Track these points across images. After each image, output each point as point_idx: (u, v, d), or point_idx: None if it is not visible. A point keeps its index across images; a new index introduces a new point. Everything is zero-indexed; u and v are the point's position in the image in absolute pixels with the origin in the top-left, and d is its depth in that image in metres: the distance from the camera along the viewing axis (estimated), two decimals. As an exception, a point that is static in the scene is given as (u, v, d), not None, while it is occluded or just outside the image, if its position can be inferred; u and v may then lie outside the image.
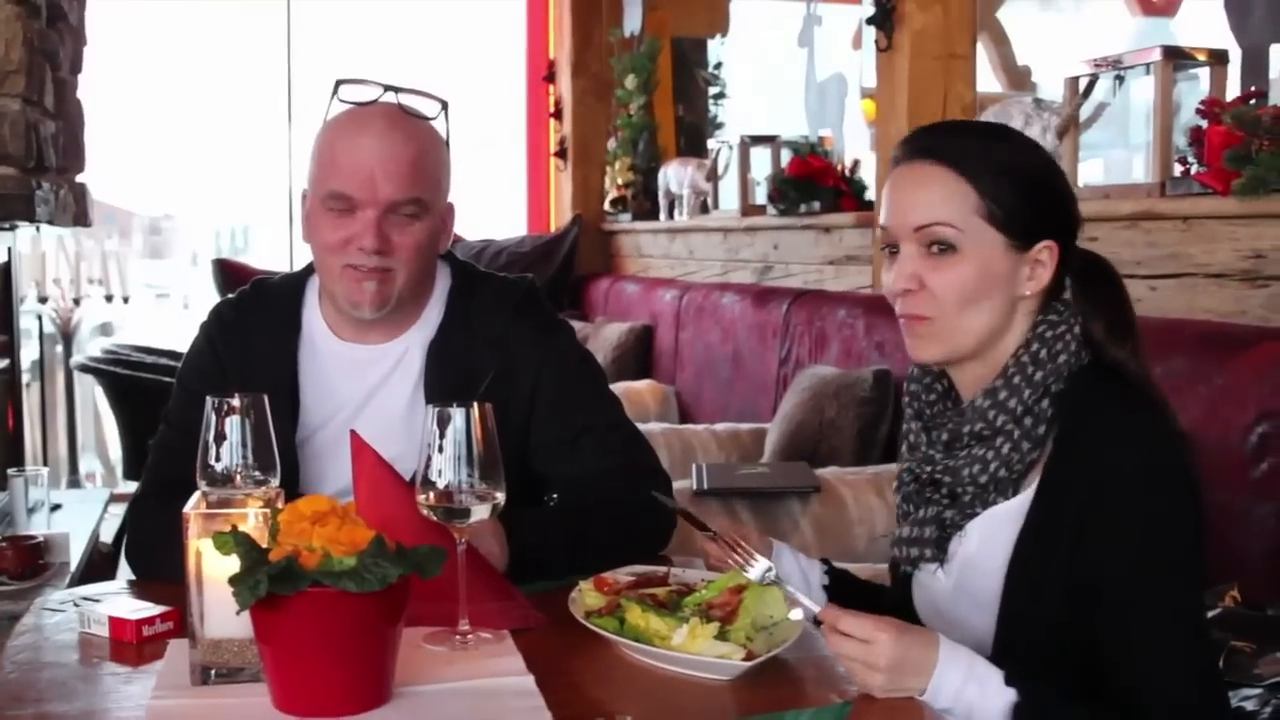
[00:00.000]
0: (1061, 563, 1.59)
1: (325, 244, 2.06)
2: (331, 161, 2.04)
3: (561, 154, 7.89)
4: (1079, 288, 1.72)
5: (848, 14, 5.70)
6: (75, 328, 6.59)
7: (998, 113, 3.80)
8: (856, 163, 5.19)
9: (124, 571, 2.20)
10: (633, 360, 6.02)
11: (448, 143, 2.13)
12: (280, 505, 1.52)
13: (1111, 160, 3.87)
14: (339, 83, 2.09)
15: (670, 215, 6.62)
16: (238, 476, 1.58)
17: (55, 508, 3.84)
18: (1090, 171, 3.77)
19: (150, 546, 2.02)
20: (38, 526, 3.49)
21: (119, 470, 6.66)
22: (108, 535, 4.04)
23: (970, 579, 1.70)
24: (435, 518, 1.61)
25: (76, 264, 6.49)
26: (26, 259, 6.09)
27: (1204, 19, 4.80)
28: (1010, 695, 1.50)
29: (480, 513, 1.61)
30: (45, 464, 5.99)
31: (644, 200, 7.17)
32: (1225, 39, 3.59)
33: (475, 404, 1.62)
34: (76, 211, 4.57)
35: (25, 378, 6.07)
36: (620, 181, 7.35)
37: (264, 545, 1.41)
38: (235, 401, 1.59)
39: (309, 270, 2.24)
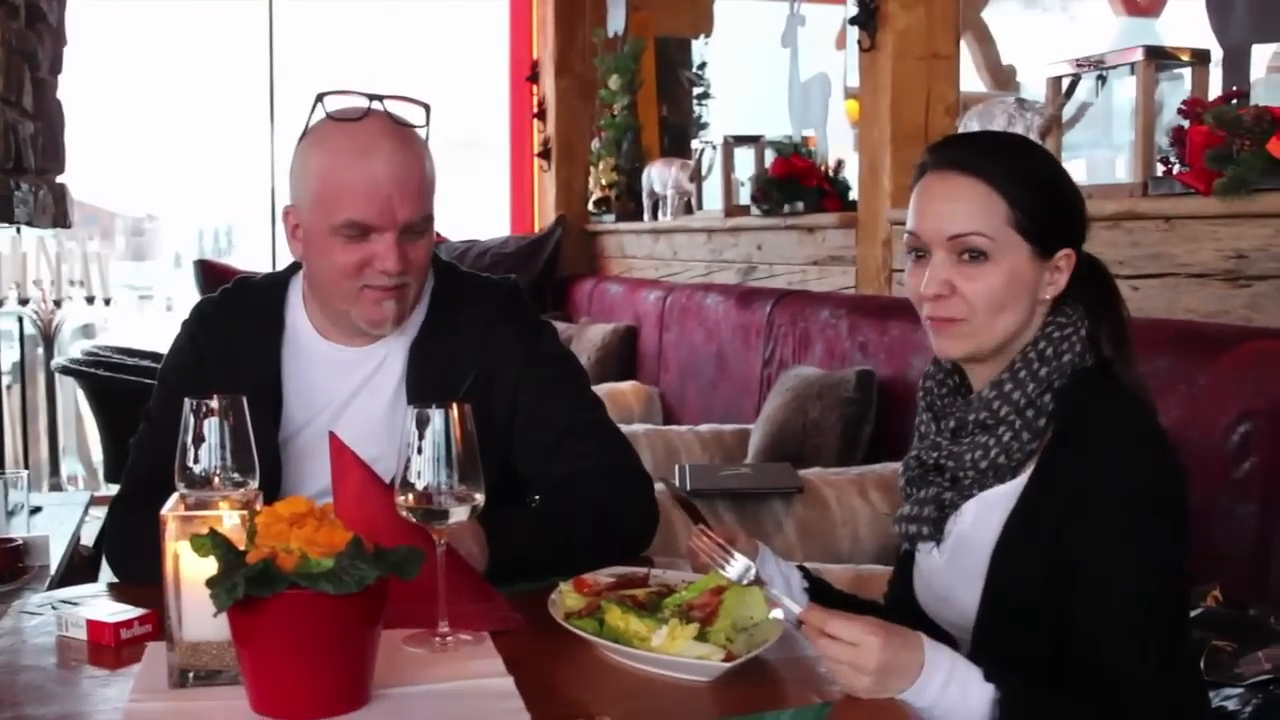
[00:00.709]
0: (1046, 543, 1.65)
1: (339, 268, 2.04)
2: (341, 189, 2.00)
3: (545, 154, 7.88)
4: (1079, 288, 1.79)
5: (831, 14, 5.70)
6: (56, 329, 6.56)
7: (981, 113, 3.80)
8: (840, 163, 5.19)
9: (106, 575, 2.19)
10: (616, 361, 6.01)
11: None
12: (259, 507, 1.52)
13: (1094, 160, 3.87)
14: (322, 95, 2.06)
15: (654, 216, 6.61)
16: (216, 478, 1.57)
17: (35, 511, 3.82)
18: (1073, 172, 3.76)
19: (130, 548, 2.01)
20: (17, 530, 3.47)
21: (101, 473, 6.64)
22: (88, 538, 4.02)
23: (962, 556, 1.76)
24: (414, 519, 1.60)
25: (57, 265, 6.46)
26: (7, 260, 6.07)
27: (1188, 19, 4.80)
28: (990, 691, 1.53)
29: (459, 514, 1.61)
30: (26, 467, 5.98)
31: (628, 201, 7.17)
32: (1208, 39, 3.60)
33: (454, 405, 1.61)
34: (56, 213, 4.56)
35: (6, 380, 6.06)
36: (604, 182, 7.35)
37: (242, 547, 1.40)
38: (214, 403, 1.58)
39: (292, 269, 2.23)
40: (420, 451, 1.60)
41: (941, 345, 1.78)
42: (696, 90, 7.50)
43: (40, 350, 6.61)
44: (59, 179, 4.97)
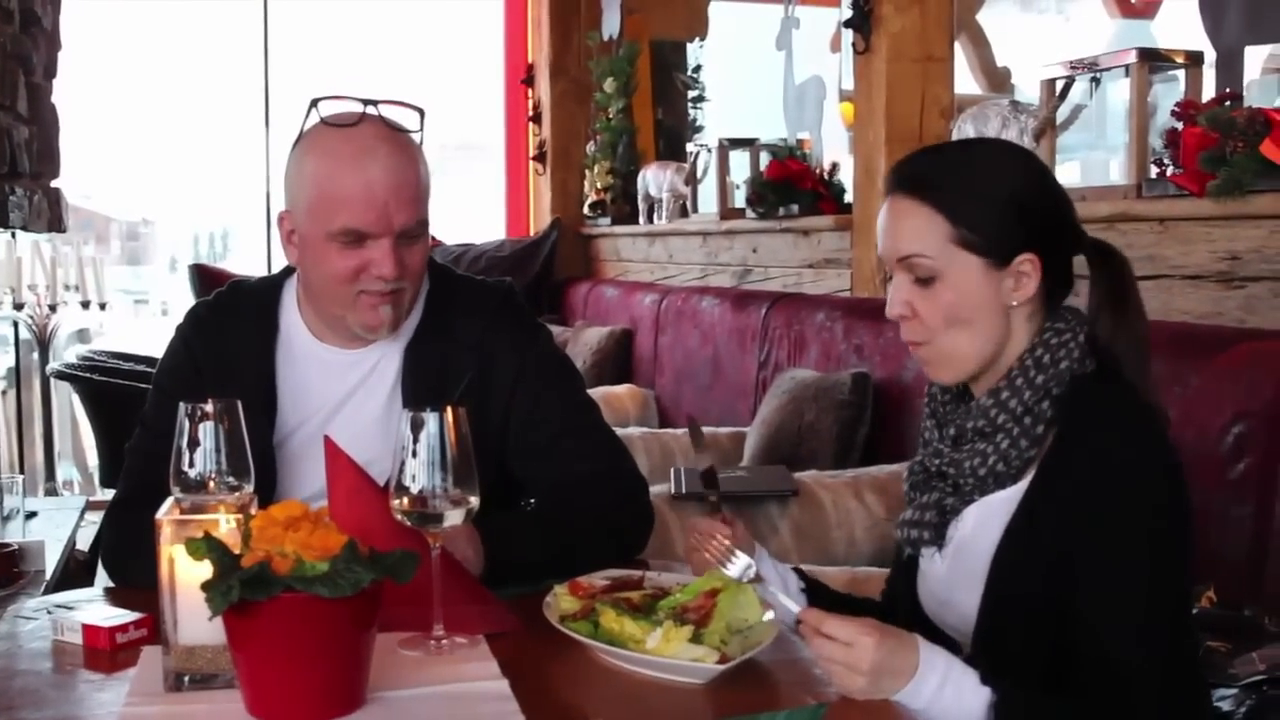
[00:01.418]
0: (1047, 548, 1.65)
1: (335, 274, 2.04)
2: (337, 196, 2.00)
3: (540, 158, 7.88)
4: (1092, 275, 1.78)
5: (826, 16, 5.69)
6: (52, 334, 6.55)
7: (975, 115, 3.81)
8: (835, 166, 5.19)
9: (102, 579, 2.19)
10: (612, 364, 6.01)
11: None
12: (254, 510, 1.52)
13: (1088, 162, 3.87)
14: (316, 100, 2.06)
15: (649, 219, 6.61)
16: (211, 482, 1.58)
17: (31, 515, 3.81)
18: (1067, 173, 3.77)
19: (126, 552, 2.02)
20: (13, 534, 3.47)
21: (96, 478, 6.63)
22: (84, 543, 4.01)
23: (963, 561, 1.76)
24: (409, 523, 1.61)
25: (52, 270, 6.45)
26: (2, 265, 6.08)
27: (1182, 21, 4.81)
28: (986, 695, 1.54)
29: (454, 517, 1.61)
30: (21, 472, 5.98)
31: (623, 204, 7.17)
32: (1203, 41, 3.60)
33: (449, 408, 1.61)
34: (51, 217, 4.56)
35: (1, 385, 6.06)
36: (599, 185, 7.34)
37: (237, 551, 1.41)
38: (209, 407, 1.58)
39: (287, 273, 2.24)
40: (415, 455, 1.60)
41: (929, 374, 1.81)
42: (691, 93, 7.50)
43: (35, 355, 6.60)
44: (54, 183, 4.97)
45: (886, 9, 4.25)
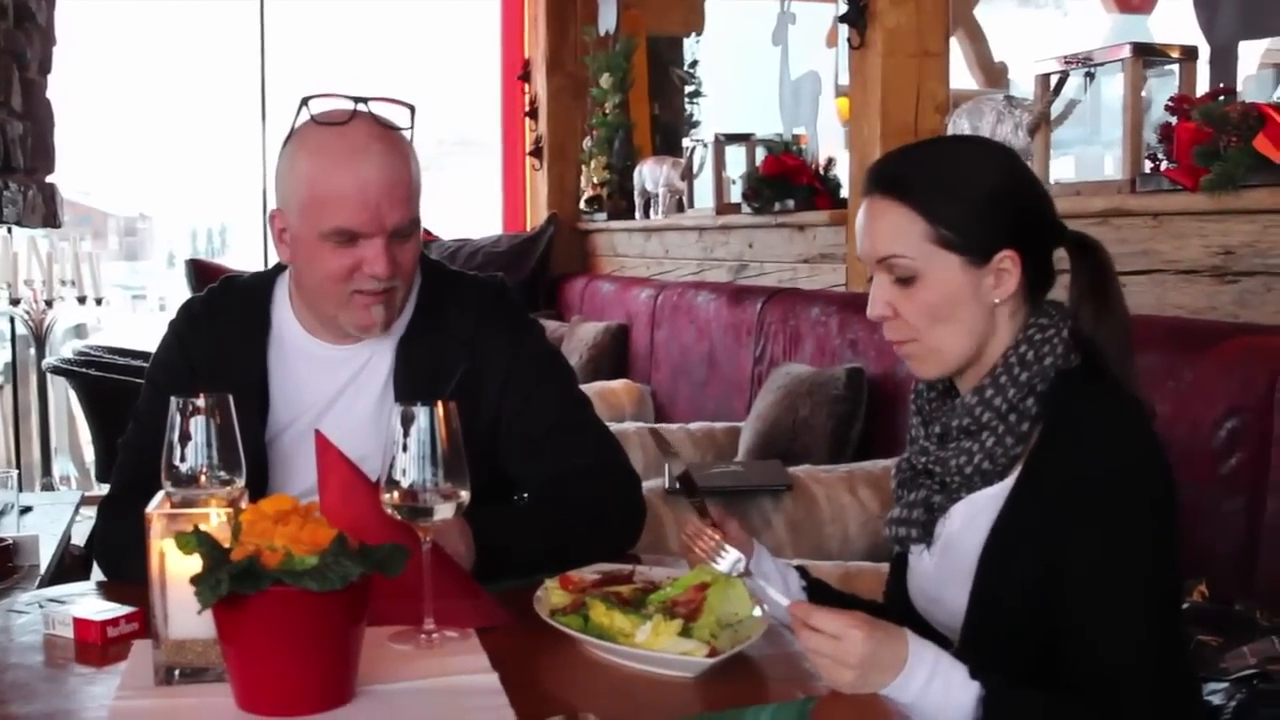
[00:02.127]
0: (1033, 545, 1.64)
1: (328, 274, 2.04)
2: (329, 196, 1.99)
3: (537, 153, 7.88)
4: (1073, 268, 1.78)
5: (822, 12, 5.69)
6: (48, 330, 6.55)
7: (970, 110, 3.81)
8: (831, 161, 5.19)
9: (97, 574, 2.19)
10: (608, 360, 6.01)
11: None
12: (244, 505, 1.52)
13: (1083, 157, 3.88)
14: (306, 98, 2.05)
15: (646, 214, 6.61)
16: (202, 477, 1.57)
17: (25, 510, 3.81)
18: (1062, 168, 3.77)
19: (119, 546, 2.02)
20: (7, 529, 3.46)
21: (93, 473, 6.64)
22: (79, 538, 4.01)
23: (951, 558, 1.76)
24: (400, 517, 1.61)
25: (49, 266, 6.45)
26: (-2, 260, 6.07)
27: (1180, 16, 4.81)
28: (975, 689, 1.54)
29: (444, 511, 1.61)
30: (18, 467, 5.98)
31: (619, 199, 7.16)
32: (1198, 36, 3.60)
33: (439, 403, 1.61)
34: (46, 213, 4.56)
35: (-2, 381, 6.06)
36: (596, 180, 7.34)
37: (226, 545, 1.41)
38: (200, 402, 1.58)
39: (279, 269, 2.24)
40: (405, 449, 1.60)
41: (913, 369, 1.81)
42: (688, 88, 7.50)
43: (32, 350, 6.60)
44: (49, 179, 4.97)
45: (882, 4, 4.25)
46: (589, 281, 6.98)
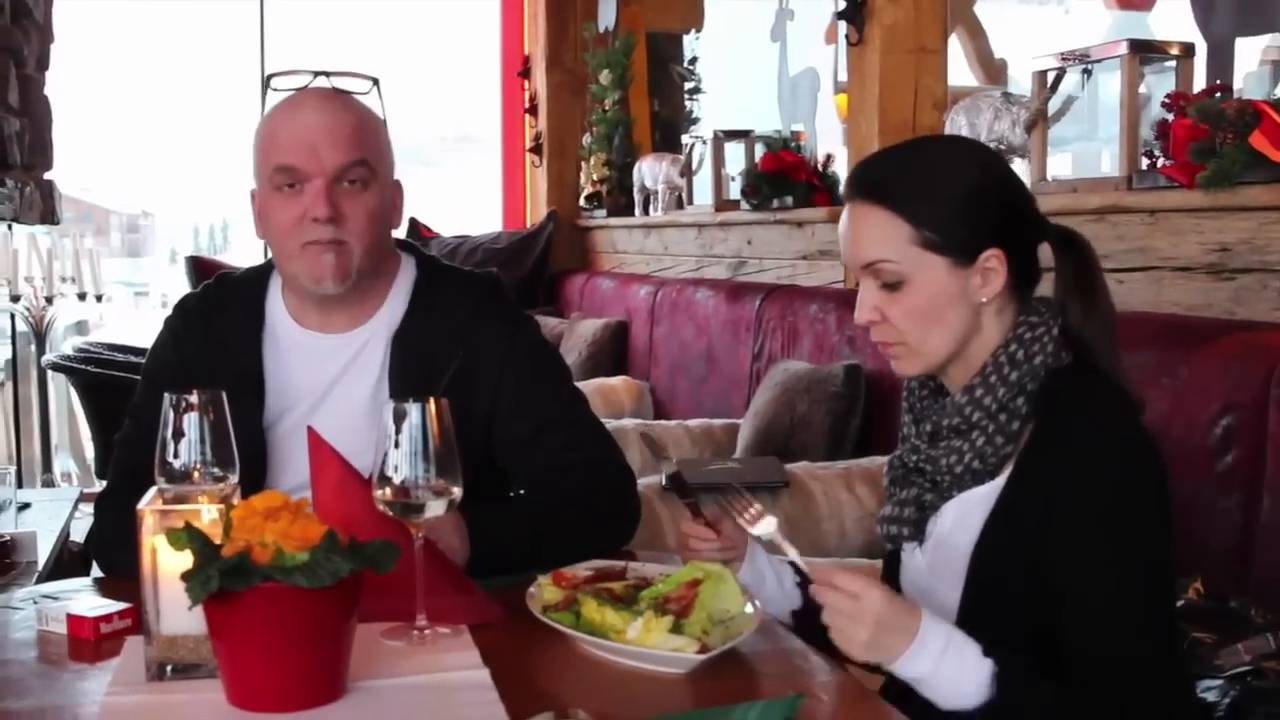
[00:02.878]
0: (1025, 543, 1.65)
1: (279, 226, 2.08)
2: (273, 141, 2.07)
3: (537, 149, 7.88)
4: (1058, 263, 1.78)
5: (820, 8, 5.68)
6: (48, 326, 6.56)
7: (967, 107, 3.81)
8: (829, 157, 5.19)
9: (97, 571, 2.20)
10: (608, 356, 6.02)
11: (384, 121, 2.15)
12: (236, 501, 1.52)
13: (1080, 153, 3.87)
14: (269, 76, 2.15)
15: (645, 211, 6.61)
16: (196, 473, 1.58)
17: (24, 507, 3.82)
18: (1060, 165, 3.77)
19: (114, 542, 2.03)
20: (5, 525, 3.46)
21: (93, 470, 6.64)
22: (78, 534, 4.02)
23: (943, 556, 1.77)
24: (391, 513, 1.61)
25: (49, 262, 6.46)
26: (-3, 257, 6.08)
27: (1180, 13, 4.81)
28: (988, 666, 1.54)
29: (436, 508, 1.61)
30: (18, 464, 5.98)
31: (619, 196, 7.16)
32: (1197, 33, 3.60)
33: (432, 400, 1.61)
34: (44, 209, 4.56)
35: (-3, 376, 6.07)
36: (595, 177, 7.34)
37: (218, 541, 1.41)
38: (193, 398, 1.58)
39: (272, 263, 2.25)
40: (397, 446, 1.60)
41: (896, 367, 1.80)
42: (687, 85, 7.50)
43: (32, 347, 6.61)
44: (47, 175, 4.97)
45: (880, 1, 4.25)
46: (588, 278, 6.98)
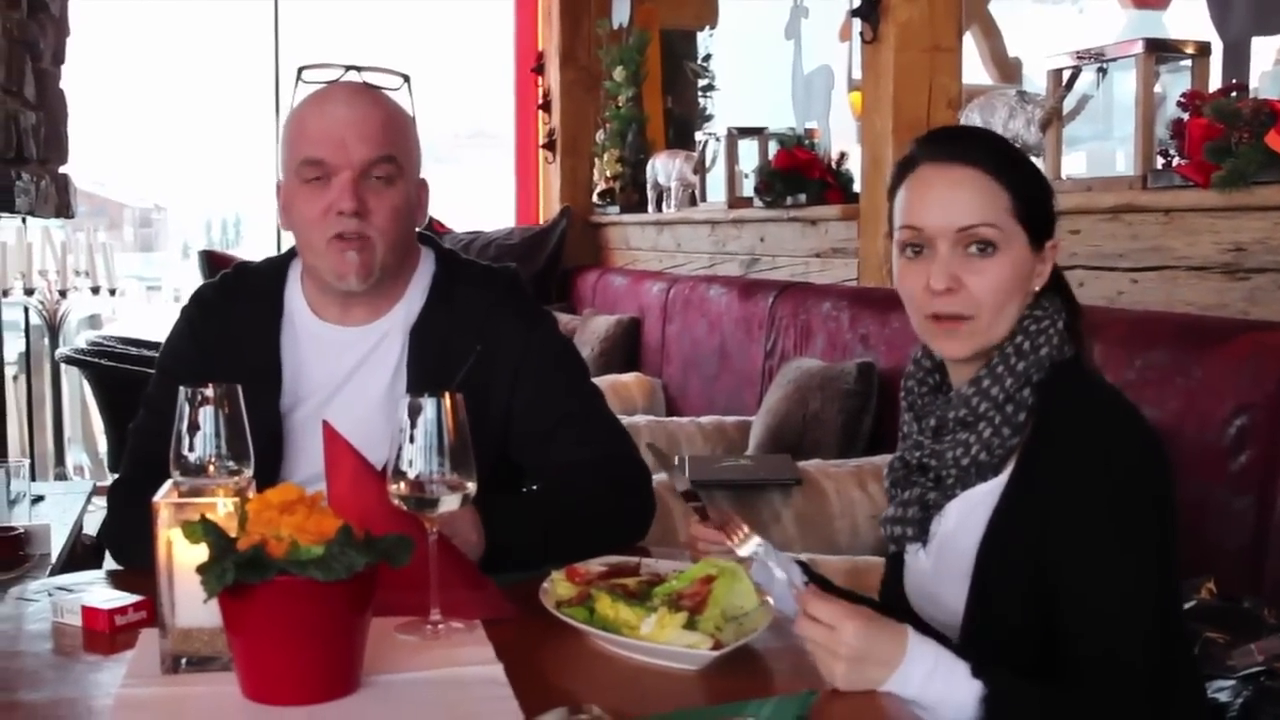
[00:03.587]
0: (1030, 540, 1.63)
1: (305, 219, 2.08)
2: (302, 133, 2.08)
3: (550, 146, 7.88)
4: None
5: (835, 6, 5.68)
6: (62, 320, 6.58)
7: (982, 105, 3.80)
8: (843, 155, 5.18)
9: (109, 564, 2.21)
10: (620, 353, 6.02)
11: (413, 118, 2.15)
12: (251, 494, 1.53)
13: (1095, 153, 3.87)
14: (301, 69, 2.14)
15: (658, 207, 6.62)
16: (211, 466, 1.58)
17: (38, 500, 3.83)
18: (1074, 164, 3.76)
19: (128, 533, 2.03)
20: (19, 518, 3.48)
21: (106, 463, 6.66)
22: (91, 527, 4.03)
23: (947, 556, 1.75)
24: (406, 507, 1.61)
25: (63, 256, 6.48)
26: (12, 251, 6.10)
27: (1195, 12, 4.80)
28: (977, 687, 1.52)
29: (450, 503, 1.61)
30: (31, 457, 6.00)
31: (632, 192, 7.17)
32: (1213, 32, 3.59)
33: (447, 394, 1.62)
34: (59, 203, 4.57)
35: (11, 370, 6.08)
36: (608, 174, 7.34)
37: (233, 534, 1.41)
38: (209, 391, 1.59)
39: (292, 253, 2.25)
40: (412, 440, 1.60)
41: (948, 347, 1.75)
42: (701, 82, 7.49)
43: (46, 340, 6.63)
44: (62, 169, 4.99)
45: (895, -1, 4.25)
46: (601, 274, 6.98)
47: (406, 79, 2.15)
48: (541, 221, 7.91)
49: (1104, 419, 1.64)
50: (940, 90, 4.28)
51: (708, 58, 7.51)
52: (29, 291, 6.31)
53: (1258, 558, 2.40)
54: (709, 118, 7.44)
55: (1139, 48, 3.34)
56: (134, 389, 2.37)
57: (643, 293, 6.14)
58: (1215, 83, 3.38)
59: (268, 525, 1.40)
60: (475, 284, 2.22)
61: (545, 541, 1.92)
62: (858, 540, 3.28)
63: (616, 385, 5.40)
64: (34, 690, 1.51)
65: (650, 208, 6.72)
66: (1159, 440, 1.66)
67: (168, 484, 1.59)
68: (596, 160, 7.52)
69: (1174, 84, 3.46)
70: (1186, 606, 2.12)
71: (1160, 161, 3.25)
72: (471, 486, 1.63)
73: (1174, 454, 1.70)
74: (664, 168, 6.44)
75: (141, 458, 2.12)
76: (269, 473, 1.90)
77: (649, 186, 6.66)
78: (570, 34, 7.67)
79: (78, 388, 7.03)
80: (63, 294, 6.51)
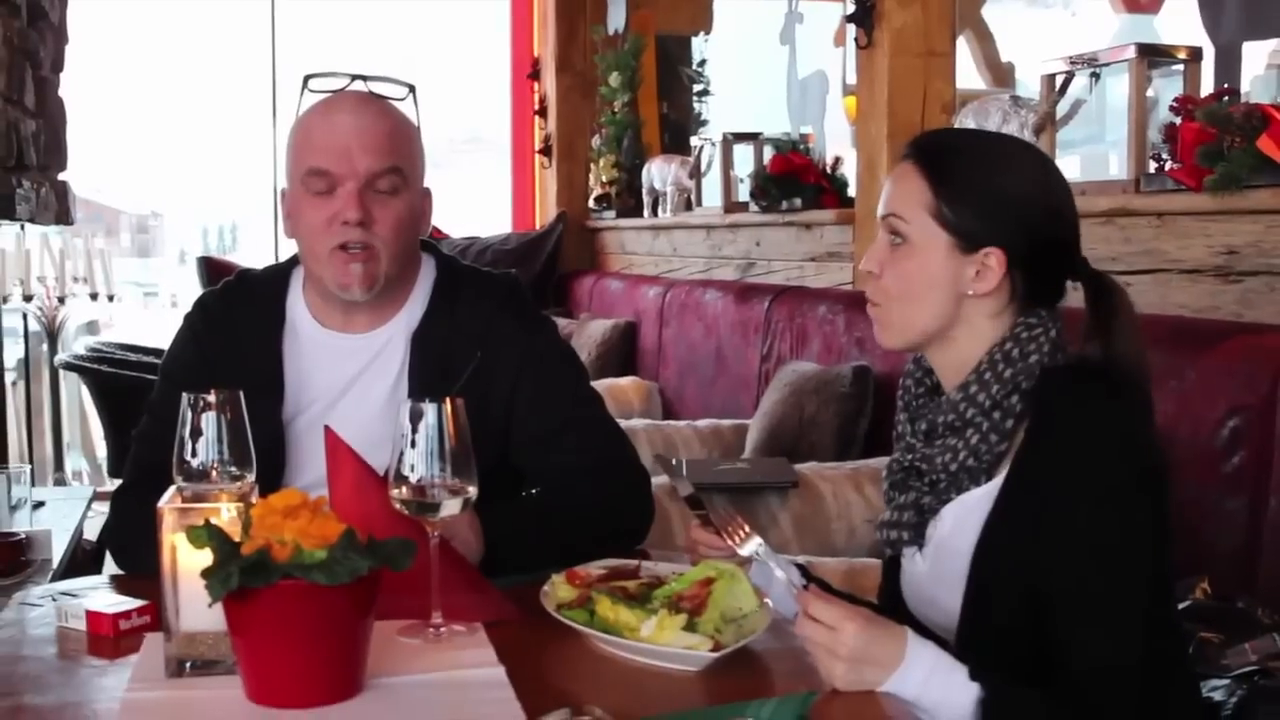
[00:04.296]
0: (1024, 543, 1.63)
1: (310, 228, 2.09)
2: (308, 143, 2.08)
3: (546, 151, 7.89)
4: (1087, 303, 1.76)
5: (830, 11, 5.70)
6: (60, 326, 6.59)
7: (976, 110, 3.82)
8: (838, 160, 5.20)
9: (110, 569, 2.22)
10: (616, 357, 6.03)
11: (418, 128, 2.17)
12: (254, 499, 1.54)
13: (1088, 157, 3.89)
14: (308, 78, 2.13)
15: (654, 212, 6.63)
16: (214, 472, 1.59)
17: (38, 505, 3.84)
18: (1068, 168, 3.78)
19: (132, 538, 2.03)
20: (20, 524, 3.49)
21: (105, 469, 6.66)
22: (91, 533, 4.04)
23: (943, 560, 1.76)
24: (407, 512, 1.63)
25: (61, 263, 6.49)
26: (11, 257, 6.10)
27: (1186, 17, 4.82)
28: (975, 691, 1.53)
29: (451, 507, 1.63)
30: (30, 462, 6.00)
31: (628, 197, 7.18)
32: (1204, 37, 3.61)
33: (448, 399, 1.63)
34: (59, 210, 4.59)
35: (10, 376, 6.09)
36: (604, 179, 7.35)
37: (237, 539, 1.43)
38: (211, 397, 1.60)
39: (294, 260, 2.26)
40: (414, 445, 1.62)
41: (876, 335, 1.84)
42: (696, 87, 7.51)
43: (45, 346, 6.63)
44: (61, 176, 5.00)
45: (889, 4, 4.26)
46: (597, 279, 7.00)
47: (412, 89, 2.16)
48: (538, 226, 7.92)
49: (1091, 426, 1.63)
50: (934, 95, 4.30)
51: (703, 63, 7.53)
52: (28, 298, 6.32)
53: (1251, 558, 2.42)
54: (704, 123, 7.46)
55: (1131, 52, 3.36)
56: (133, 395, 2.39)
57: (639, 297, 6.15)
58: (1207, 87, 3.40)
59: (271, 530, 1.41)
60: (476, 290, 2.23)
61: (545, 545, 1.93)
62: (854, 542, 3.30)
63: (613, 389, 5.41)
64: (39, 694, 1.52)
65: (646, 212, 6.73)
66: (1155, 445, 1.67)
67: (171, 489, 1.60)
68: (592, 165, 7.53)
69: (1166, 88, 3.48)
70: (1181, 606, 2.13)
71: (1153, 165, 3.27)
72: (472, 491, 1.64)
73: (1168, 455, 1.71)
74: (660, 173, 6.46)
75: (145, 463, 2.13)
76: (272, 479, 1.91)
77: (645, 191, 6.67)
78: (566, 40, 7.68)
79: (76, 393, 7.03)
80: (61, 300, 6.51)
